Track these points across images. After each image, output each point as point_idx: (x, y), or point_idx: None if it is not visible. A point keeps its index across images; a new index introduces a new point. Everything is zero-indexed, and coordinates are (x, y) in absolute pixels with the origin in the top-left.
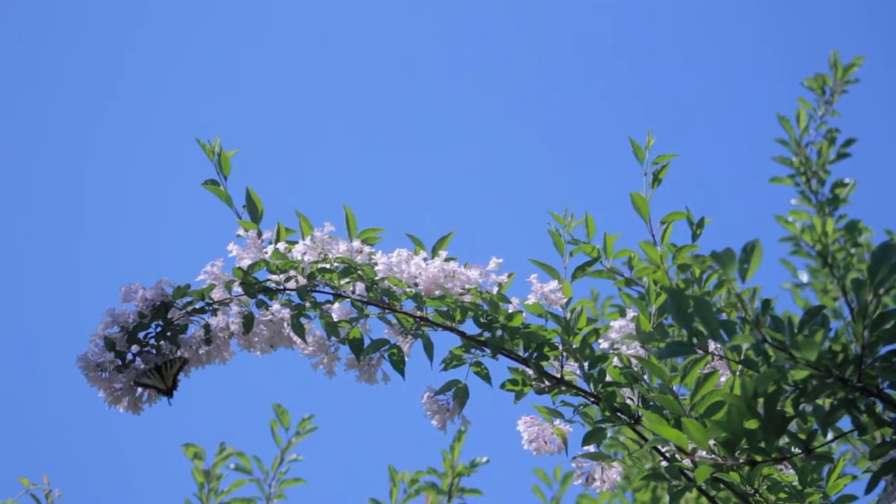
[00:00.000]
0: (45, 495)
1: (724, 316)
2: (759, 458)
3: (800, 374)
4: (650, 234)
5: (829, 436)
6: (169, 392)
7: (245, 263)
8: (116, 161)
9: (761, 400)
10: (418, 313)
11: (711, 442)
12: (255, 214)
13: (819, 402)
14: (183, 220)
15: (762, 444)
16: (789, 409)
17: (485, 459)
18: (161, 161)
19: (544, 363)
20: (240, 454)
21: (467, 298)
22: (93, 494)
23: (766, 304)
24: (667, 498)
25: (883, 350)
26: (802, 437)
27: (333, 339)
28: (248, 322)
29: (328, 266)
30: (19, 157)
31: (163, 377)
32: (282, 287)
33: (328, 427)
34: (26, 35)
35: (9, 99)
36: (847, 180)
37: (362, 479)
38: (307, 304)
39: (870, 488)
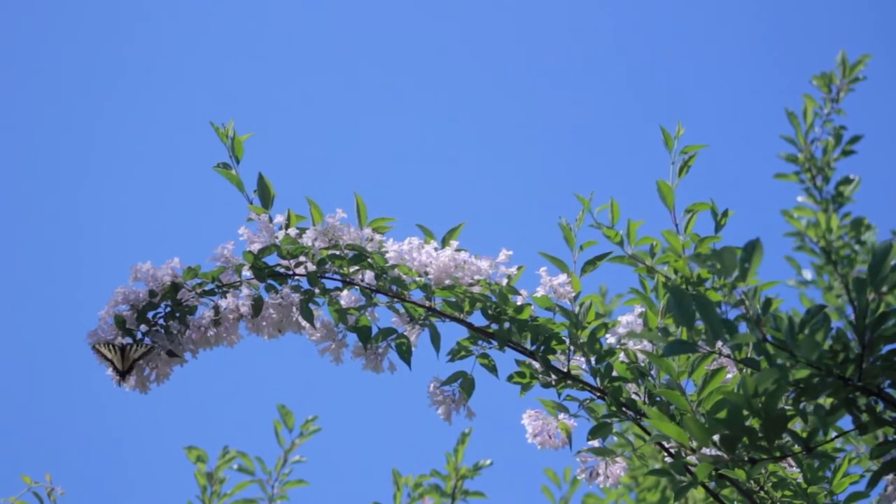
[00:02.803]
0: (48, 493)
1: (741, 310)
2: (762, 456)
3: (801, 372)
4: (673, 224)
5: (831, 434)
6: (123, 374)
7: (256, 247)
8: (127, 143)
9: (762, 397)
10: (427, 303)
11: (716, 437)
12: (266, 199)
13: (820, 401)
14: (193, 202)
15: (763, 443)
16: (790, 408)
17: (489, 462)
18: (172, 144)
19: (551, 357)
20: (243, 455)
21: (476, 289)
22: (95, 497)
23: (768, 302)
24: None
25: (884, 349)
26: (804, 435)
27: (341, 326)
28: (257, 305)
29: (338, 253)
30: (26, 142)
31: (124, 358)
32: (291, 272)
33: (331, 429)
34: (31, 16)
35: (15, 82)
36: (852, 177)
37: (365, 482)
38: (316, 290)
39: (870, 487)
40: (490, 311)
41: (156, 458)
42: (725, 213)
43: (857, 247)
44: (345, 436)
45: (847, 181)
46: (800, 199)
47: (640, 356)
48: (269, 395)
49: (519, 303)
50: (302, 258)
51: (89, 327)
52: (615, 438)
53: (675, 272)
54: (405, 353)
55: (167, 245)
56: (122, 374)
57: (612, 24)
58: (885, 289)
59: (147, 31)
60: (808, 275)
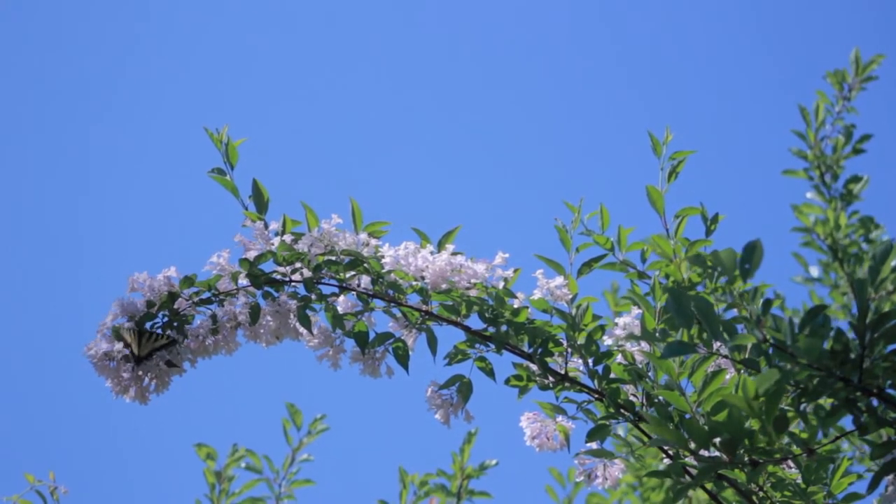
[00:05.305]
0: (51, 492)
1: (734, 312)
2: (762, 458)
3: (801, 373)
4: (664, 228)
5: (832, 435)
6: (138, 360)
7: (252, 255)
8: (122, 150)
9: (762, 399)
10: (424, 307)
11: (717, 439)
12: (261, 205)
13: (820, 401)
14: (188, 210)
15: (764, 444)
16: (790, 409)
17: (494, 462)
18: (167, 150)
19: (549, 359)
20: (251, 453)
21: (473, 293)
22: (104, 495)
23: (768, 304)
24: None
25: (886, 350)
26: (804, 436)
27: (339, 331)
28: (254, 313)
29: (334, 258)
30: (24, 147)
31: (140, 343)
32: (288, 279)
33: (339, 428)
34: (32, 22)
35: (11, 90)
36: (861, 175)
37: (372, 481)
38: (313, 296)
39: (871, 488)
40: (487, 315)
41: (164, 457)
42: (716, 218)
43: (864, 245)
44: (352, 435)
45: (856, 179)
46: (808, 195)
47: (638, 357)
48: (278, 393)
49: (516, 305)
50: (298, 264)
51: (89, 325)
52: (617, 441)
53: (667, 276)
54: (402, 358)
55: (163, 248)
56: (138, 360)
57: (608, 27)
58: (890, 287)
59: (141, 40)
60: (814, 272)
